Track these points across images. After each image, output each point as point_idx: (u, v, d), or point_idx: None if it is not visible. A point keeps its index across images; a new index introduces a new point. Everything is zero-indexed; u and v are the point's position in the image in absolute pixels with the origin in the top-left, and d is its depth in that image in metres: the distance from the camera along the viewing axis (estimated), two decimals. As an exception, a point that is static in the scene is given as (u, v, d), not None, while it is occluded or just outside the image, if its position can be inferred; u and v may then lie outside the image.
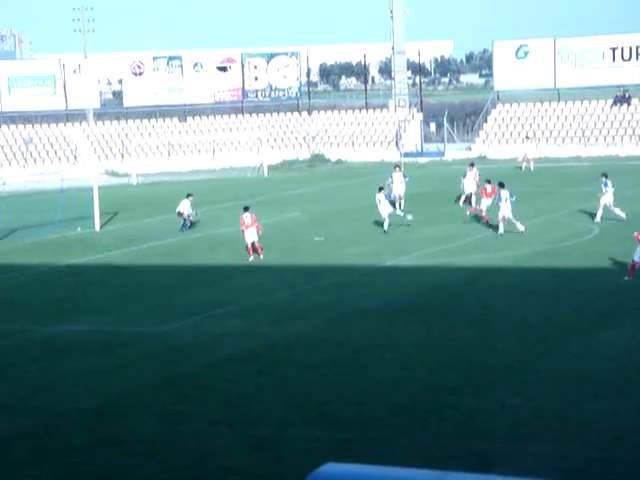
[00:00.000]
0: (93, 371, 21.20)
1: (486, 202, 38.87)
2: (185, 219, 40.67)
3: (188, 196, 41.20)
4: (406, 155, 68.07)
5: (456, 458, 15.54)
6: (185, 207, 40.72)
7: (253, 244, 33.80)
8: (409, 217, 38.27)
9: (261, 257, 33.56)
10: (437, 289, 28.12)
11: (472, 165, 44.86)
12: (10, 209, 45.75)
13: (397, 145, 71.88)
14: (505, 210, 36.08)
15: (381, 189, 38.49)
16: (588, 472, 15.11)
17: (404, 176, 42.96)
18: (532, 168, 59.09)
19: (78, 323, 25.60)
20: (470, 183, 43.44)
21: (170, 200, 51.00)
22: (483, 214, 38.88)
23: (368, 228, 39.32)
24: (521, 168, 59.36)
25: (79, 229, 41.47)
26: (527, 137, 65.38)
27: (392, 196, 41.28)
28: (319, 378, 20.09)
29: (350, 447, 16.18)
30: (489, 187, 39.18)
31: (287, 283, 29.80)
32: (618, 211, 38.01)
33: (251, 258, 33.57)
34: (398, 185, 42.67)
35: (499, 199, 36.49)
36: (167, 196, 53.23)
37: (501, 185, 37.26)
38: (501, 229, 36.19)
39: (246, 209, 34.34)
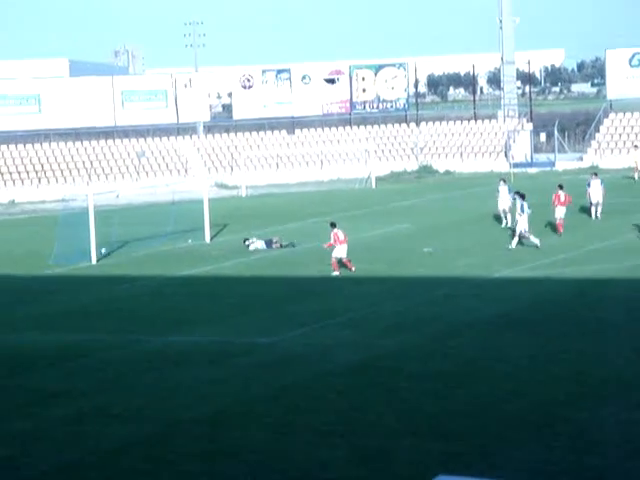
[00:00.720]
0: (205, 381, 21.43)
1: (561, 211, 38.34)
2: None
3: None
4: (515, 166, 67.35)
5: (569, 473, 15.26)
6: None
7: (340, 260, 33.53)
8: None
9: (353, 270, 33.29)
10: (549, 301, 27.70)
11: (595, 174, 43.94)
12: (123, 221, 46.66)
13: (506, 156, 71.18)
14: (522, 223, 35.95)
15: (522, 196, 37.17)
16: None
17: (509, 191, 41.48)
18: (637, 177, 57.71)
19: (189, 334, 25.94)
20: (596, 191, 42.39)
21: (279, 212, 51.44)
22: (557, 222, 38.68)
23: (477, 239, 38.99)
24: (634, 178, 58.05)
25: (190, 241, 42.05)
26: (636, 146, 63.87)
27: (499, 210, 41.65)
28: (429, 390, 19.97)
29: (461, 459, 16.04)
30: (562, 195, 38.84)
31: (396, 294, 29.72)
32: None
33: (336, 273, 33.28)
34: (504, 199, 41.70)
35: (522, 210, 36.19)
36: (276, 208, 53.69)
37: (521, 196, 36.89)
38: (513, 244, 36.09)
39: (333, 225, 34.06)
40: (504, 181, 43.29)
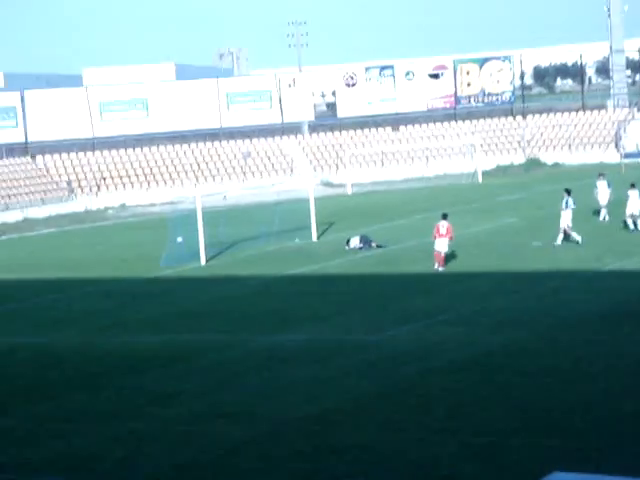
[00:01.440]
0: (313, 379, 21.46)
1: (633, 206, 37.31)
2: None
3: None
4: (627, 156, 66.02)
5: (689, 470, 14.84)
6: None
7: (440, 253, 33.23)
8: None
9: (440, 269, 32.91)
10: (663, 294, 27.04)
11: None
12: (230, 222, 47.13)
13: (617, 146, 69.79)
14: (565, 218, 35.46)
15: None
16: None
17: (609, 185, 40.68)
18: None
19: (297, 332, 26.02)
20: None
21: (385, 209, 51.35)
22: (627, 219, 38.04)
23: (587, 232, 38.28)
24: None
25: (297, 240, 42.25)
26: None
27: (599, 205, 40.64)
28: (542, 386, 19.65)
29: (577, 456, 15.72)
30: (632, 193, 37.78)
31: (505, 289, 29.38)
32: None
33: (439, 267, 32.97)
34: (603, 194, 40.71)
35: (566, 205, 35.65)
36: (382, 205, 53.61)
37: (567, 192, 36.26)
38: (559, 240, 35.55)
39: (444, 217, 33.81)
40: (603, 176, 41.76)
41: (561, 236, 35.64)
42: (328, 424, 18.43)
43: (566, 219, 35.72)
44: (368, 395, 20.00)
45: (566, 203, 36.00)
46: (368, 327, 25.90)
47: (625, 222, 38.01)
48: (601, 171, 43.76)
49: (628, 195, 38.77)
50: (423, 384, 20.49)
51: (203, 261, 38.63)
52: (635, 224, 37.47)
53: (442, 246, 33.17)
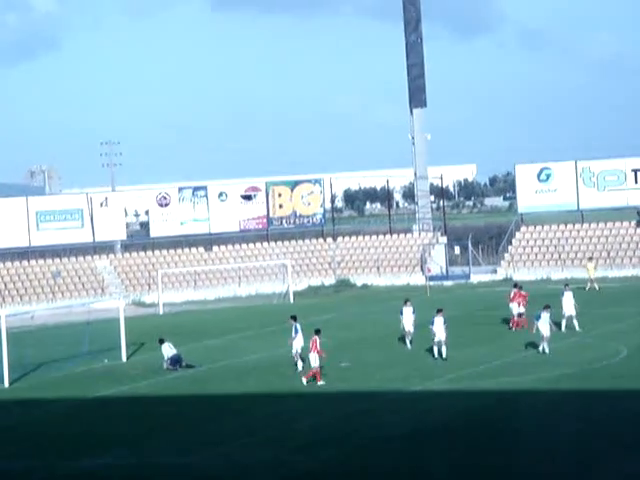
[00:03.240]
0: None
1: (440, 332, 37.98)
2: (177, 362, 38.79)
3: (161, 341, 40.03)
4: (431, 279, 68.20)
5: None
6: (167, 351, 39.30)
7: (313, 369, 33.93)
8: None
9: (319, 383, 33.61)
10: (466, 414, 27.86)
11: (567, 285, 44.10)
12: (38, 343, 45.99)
13: (422, 269, 72.10)
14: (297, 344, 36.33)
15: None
16: None
17: (413, 311, 40.96)
18: (597, 287, 57.70)
19: (104, 456, 25.46)
20: (568, 303, 41.82)
21: (197, 329, 51.17)
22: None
23: (395, 353, 39.20)
24: (594, 288, 58.03)
25: (106, 361, 41.53)
26: (590, 258, 64.85)
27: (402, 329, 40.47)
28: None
29: None
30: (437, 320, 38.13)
31: (314, 410, 29.63)
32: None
33: (320, 382, 33.65)
34: (408, 320, 40.56)
35: (296, 332, 36.45)
36: (194, 325, 53.41)
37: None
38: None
39: (317, 332, 34.55)
40: (409, 302, 41.69)
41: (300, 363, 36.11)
42: None
43: (297, 345, 36.35)
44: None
45: (295, 329, 36.53)
46: (177, 450, 25.60)
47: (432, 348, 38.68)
48: (407, 297, 44.01)
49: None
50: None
51: (7, 383, 37.43)
52: (440, 352, 36.94)
53: (313, 361, 33.82)
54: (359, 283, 72.26)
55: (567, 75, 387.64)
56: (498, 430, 25.51)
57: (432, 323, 37.36)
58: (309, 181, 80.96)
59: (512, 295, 44.18)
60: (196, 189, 76.85)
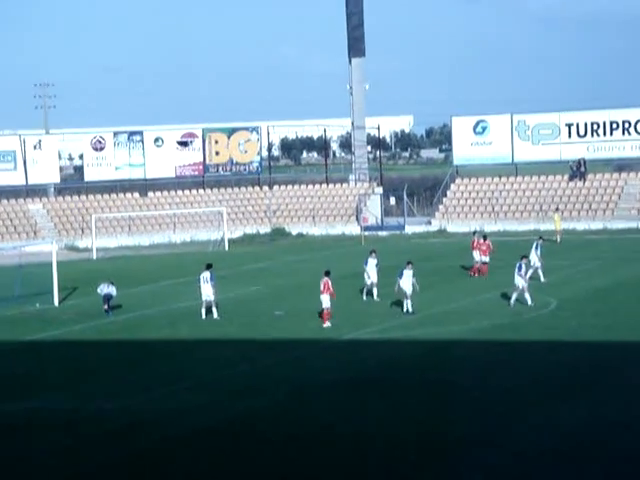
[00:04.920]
0: (49, 451, 20.95)
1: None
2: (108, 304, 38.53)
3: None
4: (366, 229, 68.51)
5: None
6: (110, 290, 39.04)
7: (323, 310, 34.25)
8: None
9: (323, 325, 33.85)
10: (397, 363, 28.17)
11: (541, 237, 45.09)
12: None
13: (357, 219, 72.36)
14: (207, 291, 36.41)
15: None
16: None
17: (377, 264, 39.70)
18: (559, 240, 58.50)
19: (33, 400, 25.33)
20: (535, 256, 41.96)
21: (130, 275, 50.93)
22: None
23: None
24: (556, 241, 58.14)
25: (38, 305, 41.21)
26: (557, 209, 65.54)
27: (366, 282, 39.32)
28: (280, 453, 20.02)
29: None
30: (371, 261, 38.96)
31: (248, 357, 29.75)
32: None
33: (326, 324, 33.86)
34: (372, 271, 39.35)
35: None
36: (127, 271, 53.15)
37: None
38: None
39: (327, 274, 34.66)
40: (375, 253, 40.35)
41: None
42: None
43: (207, 291, 36.37)
44: (106, 466, 19.72)
45: (211, 278, 36.54)
46: (109, 395, 25.56)
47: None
48: (373, 248, 42.52)
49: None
50: (162, 453, 20.41)
51: (-63, 325, 37.01)
52: (407, 306, 35.96)
53: (324, 302, 34.06)
54: (294, 232, 72.36)
55: (505, 28, 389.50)
56: (428, 380, 25.83)
57: (400, 276, 35.92)
58: (246, 129, 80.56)
59: (474, 243, 45.45)
60: (132, 134, 76.09)
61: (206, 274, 36.86)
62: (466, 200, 73.23)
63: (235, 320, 35.97)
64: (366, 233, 66.76)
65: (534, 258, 41.53)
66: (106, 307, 38.35)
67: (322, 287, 34.39)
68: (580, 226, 65.82)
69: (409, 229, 70.56)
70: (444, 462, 19.08)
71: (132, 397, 25.05)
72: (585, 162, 71.49)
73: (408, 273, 35.91)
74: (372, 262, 39.60)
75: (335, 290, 34.20)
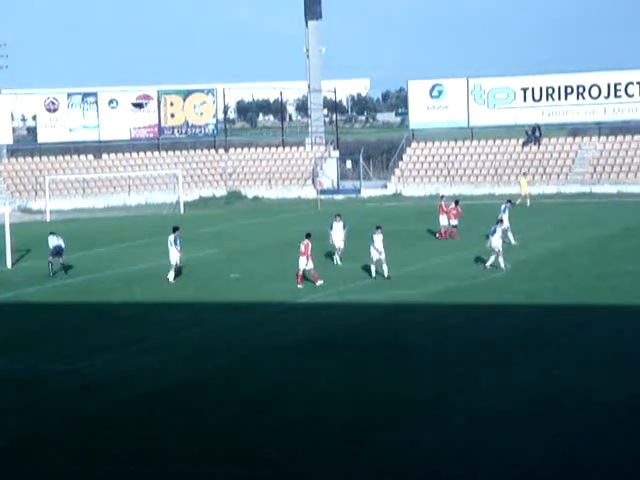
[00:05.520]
0: (2, 410, 20.82)
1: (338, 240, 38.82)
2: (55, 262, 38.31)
3: (51, 233, 39.56)
4: (322, 192, 68.48)
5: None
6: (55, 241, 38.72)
7: (304, 272, 34.46)
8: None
9: (316, 284, 34.11)
10: (352, 326, 28.23)
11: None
12: None
13: (314, 182, 72.26)
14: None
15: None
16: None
17: (344, 226, 39.42)
18: (528, 203, 58.58)
19: (-12, 362, 25.14)
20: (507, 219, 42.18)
21: (84, 237, 50.56)
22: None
23: (284, 265, 39.35)
24: (526, 204, 58.47)
25: (-10, 266, 40.81)
26: (524, 173, 65.72)
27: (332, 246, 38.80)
28: (234, 415, 20.01)
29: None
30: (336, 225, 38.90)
31: (202, 320, 29.67)
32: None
33: (299, 286, 34.13)
34: (338, 235, 38.90)
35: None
36: (82, 233, 52.76)
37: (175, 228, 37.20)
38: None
39: (307, 236, 34.86)
40: (340, 216, 39.89)
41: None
42: (15, 456, 17.92)
43: (171, 255, 36.27)
44: (58, 427, 19.61)
45: (175, 241, 36.33)
46: (62, 357, 25.41)
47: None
48: (338, 212, 41.80)
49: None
50: (115, 415, 20.34)
51: None
52: (381, 270, 35.24)
53: (302, 264, 34.38)
54: (250, 195, 72.16)
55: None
56: (383, 343, 25.91)
57: (372, 241, 35.34)
58: (202, 91, 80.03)
59: (442, 207, 45.55)
60: (86, 95, 75.26)
61: (171, 237, 36.65)
62: (422, 164, 73.35)
63: (190, 283, 35.84)
64: (322, 197, 66.72)
65: (505, 221, 41.58)
66: (60, 262, 38.16)
67: (302, 249, 34.62)
68: (535, 190, 66.18)
69: (365, 193, 70.61)
70: (398, 423, 19.17)
71: (84, 360, 24.90)
72: (540, 127, 71.85)
73: (378, 238, 35.42)
74: (337, 226, 39.18)
75: (292, 254, 34.16)
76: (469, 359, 23.81)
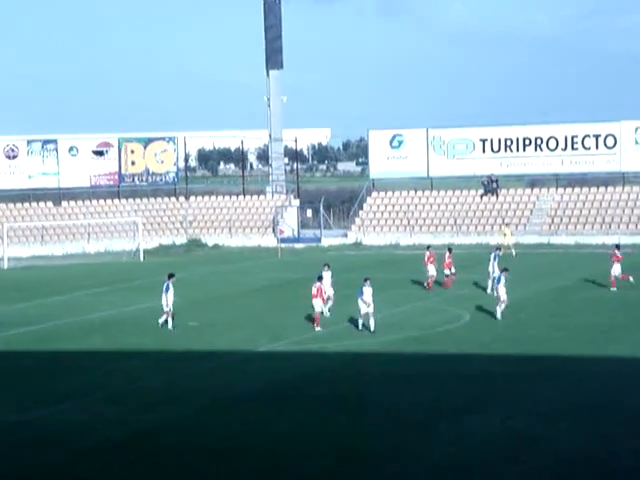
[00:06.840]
0: (-45, 462, 20.55)
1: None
2: None
3: None
4: (283, 241, 68.58)
5: None
6: None
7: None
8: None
9: (315, 329, 34.56)
10: (311, 376, 28.19)
11: (498, 249, 45.52)
12: None
13: (274, 231, 72.38)
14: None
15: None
16: None
17: (332, 276, 38.89)
18: (514, 253, 58.30)
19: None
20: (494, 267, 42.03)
21: (42, 285, 50.23)
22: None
23: (244, 313, 39.32)
24: (512, 254, 58.12)
25: (-54, 314, 40.37)
26: (507, 224, 66.03)
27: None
28: (193, 466, 19.87)
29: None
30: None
31: (160, 368, 29.52)
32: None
33: (317, 329, 34.49)
34: (328, 285, 38.09)
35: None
36: (39, 281, 52.41)
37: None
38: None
39: (320, 279, 35.92)
40: (328, 266, 39.37)
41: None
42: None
43: (169, 301, 36.13)
44: (9, 479, 19.36)
45: (164, 288, 36.24)
46: (16, 407, 25.12)
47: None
48: (327, 262, 41.13)
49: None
50: (70, 467, 20.11)
51: None
52: (368, 324, 34.17)
53: (317, 306, 34.88)
54: (210, 243, 72.10)
55: (422, 43, 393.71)
56: (341, 394, 25.89)
57: (361, 294, 34.24)
58: (163, 139, 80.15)
59: (427, 257, 45.09)
60: (46, 142, 75.12)
61: (165, 284, 36.46)
62: (382, 213, 73.75)
63: (150, 331, 35.66)
64: (283, 245, 66.81)
65: (495, 269, 41.51)
66: None
67: (315, 292, 35.09)
68: (493, 240, 66.64)
69: (325, 241, 70.80)
70: (355, 475, 19.12)
71: (40, 410, 24.65)
72: (496, 179, 72.51)
73: (368, 290, 34.33)
74: (327, 275, 38.61)
75: (252, 302, 34.11)
76: (427, 409, 23.85)
